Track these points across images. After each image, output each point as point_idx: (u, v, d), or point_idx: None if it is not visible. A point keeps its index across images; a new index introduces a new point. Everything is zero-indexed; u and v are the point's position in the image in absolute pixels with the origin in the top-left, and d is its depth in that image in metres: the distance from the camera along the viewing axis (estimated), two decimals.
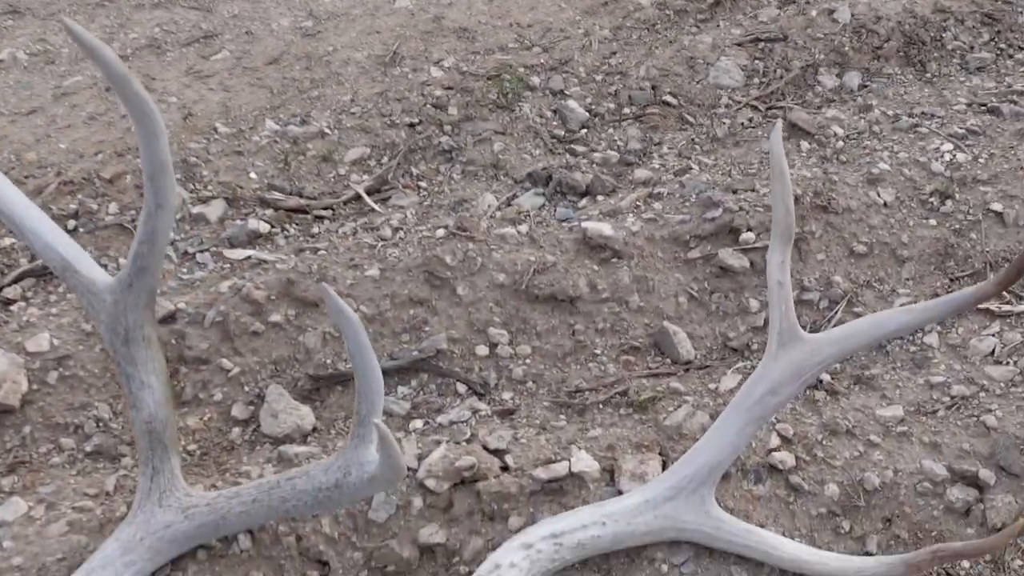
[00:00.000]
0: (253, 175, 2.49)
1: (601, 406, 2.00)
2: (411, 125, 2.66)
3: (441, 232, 2.25)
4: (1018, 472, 1.85)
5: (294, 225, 2.40)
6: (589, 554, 1.68)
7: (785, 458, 1.87)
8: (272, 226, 2.37)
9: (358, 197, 2.47)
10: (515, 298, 2.15)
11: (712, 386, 2.04)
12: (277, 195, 2.45)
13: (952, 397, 2.00)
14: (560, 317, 2.15)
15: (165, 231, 1.50)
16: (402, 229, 2.33)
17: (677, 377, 2.07)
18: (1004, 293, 2.21)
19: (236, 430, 1.97)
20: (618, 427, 1.93)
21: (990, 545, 1.63)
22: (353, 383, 1.77)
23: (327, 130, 2.63)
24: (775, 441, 1.90)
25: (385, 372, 2.03)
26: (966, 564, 1.78)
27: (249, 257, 2.22)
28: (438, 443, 1.87)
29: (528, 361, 2.10)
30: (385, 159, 2.60)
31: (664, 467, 1.84)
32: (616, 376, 2.07)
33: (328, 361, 2.05)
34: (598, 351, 2.12)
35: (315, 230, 2.37)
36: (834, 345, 1.68)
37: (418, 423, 1.97)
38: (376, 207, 2.44)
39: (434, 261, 2.15)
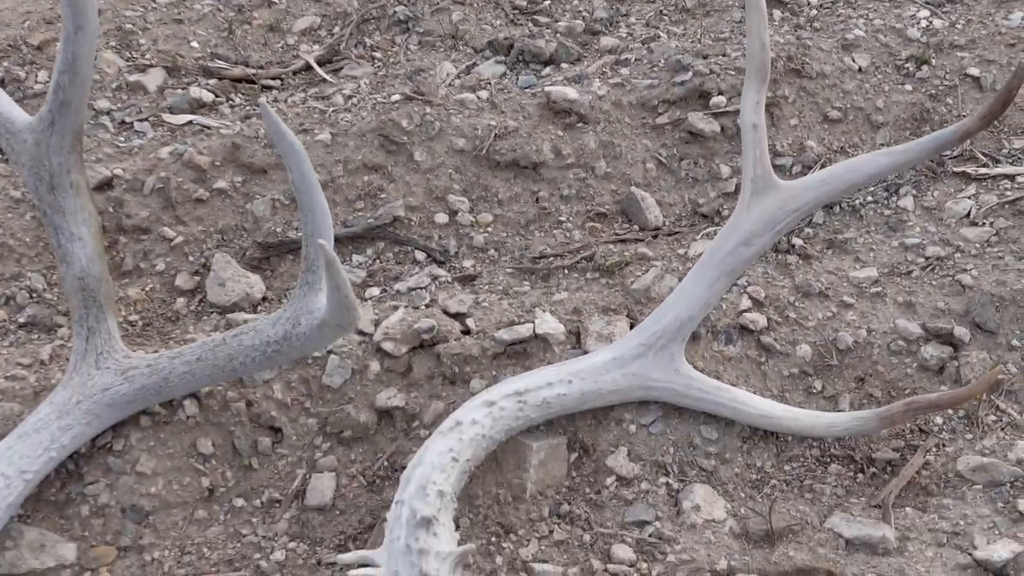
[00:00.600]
0: (195, 44, 2.33)
1: (566, 271, 1.92)
2: None
3: (397, 97, 2.12)
4: (993, 329, 1.81)
5: (240, 95, 2.25)
6: (555, 413, 1.61)
7: (756, 319, 1.81)
8: (216, 95, 2.22)
9: (308, 67, 2.32)
10: (475, 164, 2.03)
11: (681, 251, 1.96)
12: (221, 64, 2.29)
13: (927, 258, 1.94)
14: (523, 184, 2.04)
15: (87, 57, 1.37)
16: (355, 97, 2.19)
17: (645, 243, 1.98)
18: (980, 155, 2.14)
19: (181, 300, 1.86)
20: (584, 291, 1.85)
21: (965, 394, 1.59)
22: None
23: None
24: (746, 303, 1.84)
25: (339, 240, 1.93)
26: (939, 420, 1.75)
27: (191, 122, 2.07)
28: (395, 308, 1.78)
29: (490, 229, 2.00)
30: (337, 29, 2.44)
31: (632, 328, 1.76)
32: (582, 242, 1.98)
33: (278, 229, 1.94)
34: (563, 218, 2.02)
35: (262, 100, 2.22)
36: (811, 191, 1.60)
37: (375, 291, 1.87)
38: (327, 77, 2.30)
39: (389, 125, 2.02)
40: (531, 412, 1.58)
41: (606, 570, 1.48)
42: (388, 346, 1.69)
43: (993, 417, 1.74)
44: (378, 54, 2.40)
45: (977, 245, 1.96)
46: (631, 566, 1.49)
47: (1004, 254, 1.92)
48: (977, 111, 1.55)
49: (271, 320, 1.49)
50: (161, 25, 2.36)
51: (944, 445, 1.71)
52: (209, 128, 2.05)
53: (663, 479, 1.64)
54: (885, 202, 2.09)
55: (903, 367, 1.79)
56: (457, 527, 1.49)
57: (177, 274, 1.88)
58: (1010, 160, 2.14)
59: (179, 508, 1.57)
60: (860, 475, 1.69)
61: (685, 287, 1.67)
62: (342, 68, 2.34)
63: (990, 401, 1.75)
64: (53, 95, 1.40)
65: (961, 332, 1.80)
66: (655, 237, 2.01)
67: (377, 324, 1.74)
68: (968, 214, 2.03)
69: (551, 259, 1.94)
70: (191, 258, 1.90)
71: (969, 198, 2.06)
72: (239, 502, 1.59)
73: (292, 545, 1.55)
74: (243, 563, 1.54)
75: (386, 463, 1.63)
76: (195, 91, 2.19)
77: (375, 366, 1.69)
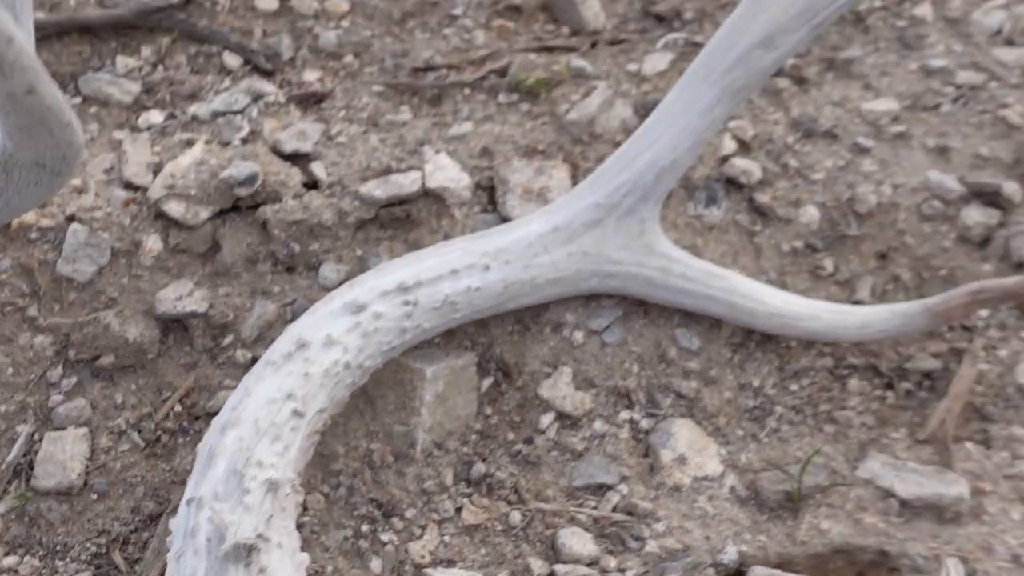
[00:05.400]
0: None
1: (468, 91, 1.25)
2: None
3: None
4: None
5: None
6: (462, 318, 0.99)
7: (748, 167, 1.23)
8: None
9: None
10: None
11: (632, 67, 1.33)
12: None
13: (958, 87, 1.40)
14: None
15: None
16: None
17: (581, 53, 1.34)
18: None
19: None
20: (496, 122, 1.20)
21: None
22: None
23: None
24: (730, 145, 1.25)
25: (92, 30, 1.17)
26: (984, 314, 1.26)
27: None
28: (190, 144, 1.07)
29: (345, 23, 1.29)
30: None
31: (575, 182, 1.15)
32: (488, 48, 1.30)
33: None
34: (458, 11, 1.34)
35: None
36: None
37: (156, 115, 1.14)
38: None
39: None
40: (424, 319, 0.95)
41: (552, 575, 0.92)
42: (176, 208, 0.99)
43: None
44: None
45: (1017, 72, 1.44)
46: (591, 565, 0.93)
47: None
48: None
49: None
50: None
51: (994, 347, 1.23)
52: None
53: (626, 414, 1.07)
54: (897, 10, 1.52)
55: (938, 238, 1.27)
56: (302, 511, 0.88)
57: None
58: None
59: None
60: (890, 393, 1.18)
61: (665, 114, 1.05)
62: None
63: None
64: None
65: (1011, 189, 1.30)
66: (593, 46, 1.36)
67: (157, 171, 1.03)
68: (1000, 30, 1.50)
69: (443, 72, 1.26)
70: None
71: (1000, 8, 1.52)
72: None
73: (9, 562, 0.88)
74: None
75: (178, 408, 0.97)
76: None
77: (154, 243, 0.99)
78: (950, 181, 1.30)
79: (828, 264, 1.25)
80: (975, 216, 1.29)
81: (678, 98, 1.06)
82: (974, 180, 1.31)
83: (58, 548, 0.90)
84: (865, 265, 1.27)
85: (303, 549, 0.88)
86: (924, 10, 1.52)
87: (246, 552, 0.70)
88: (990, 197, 1.31)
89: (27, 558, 0.89)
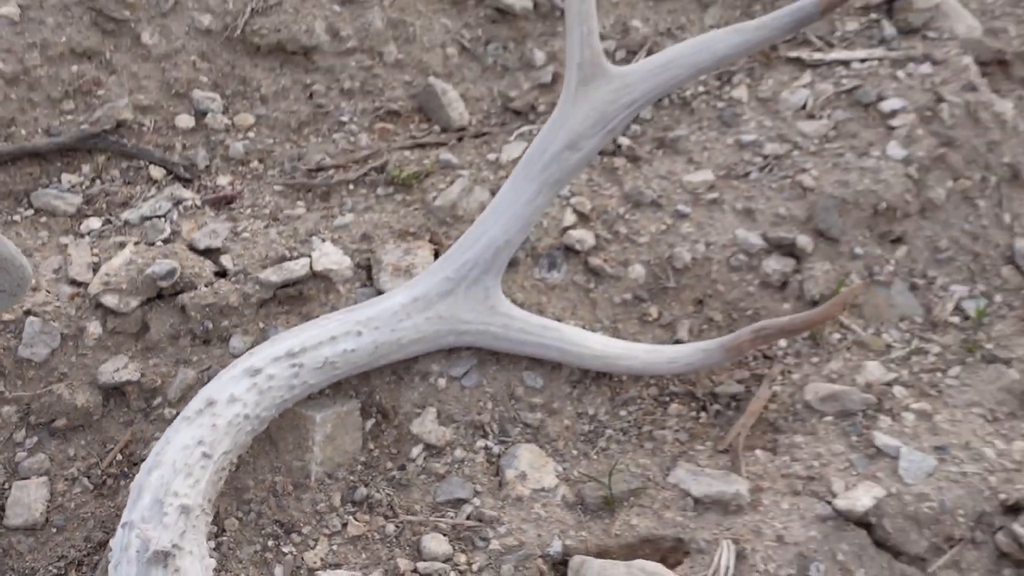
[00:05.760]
0: None
1: (351, 187, 1.53)
2: None
3: None
4: (836, 236, 1.62)
5: None
6: (342, 374, 1.27)
7: (583, 237, 1.52)
8: None
9: None
10: (228, 49, 1.58)
11: (492, 156, 1.63)
12: None
13: (765, 157, 1.71)
14: (292, 75, 1.62)
15: None
16: None
17: (448, 147, 1.63)
18: (814, 39, 1.92)
19: None
20: (375, 211, 1.49)
21: (819, 317, 1.38)
22: None
23: None
24: (570, 218, 1.54)
25: (41, 155, 1.44)
26: (783, 342, 1.55)
27: None
28: (122, 246, 1.34)
29: (252, 134, 1.57)
30: None
31: (437, 257, 1.43)
32: (370, 148, 1.59)
33: None
34: (345, 118, 1.63)
35: None
36: (650, 78, 1.29)
37: (94, 222, 1.41)
38: None
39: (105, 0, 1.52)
40: (310, 377, 1.22)
41: (415, 571, 1.19)
42: (111, 300, 1.26)
43: (838, 335, 1.57)
44: None
45: (816, 141, 1.76)
46: (446, 561, 1.20)
47: (844, 150, 1.72)
48: None
49: None
50: None
51: (790, 372, 1.52)
52: None
53: (481, 442, 1.34)
54: (718, 93, 1.83)
55: (744, 284, 1.57)
56: (220, 532, 1.14)
57: None
58: (844, 44, 1.93)
59: None
60: (703, 414, 1.47)
61: (499, 203, 1.34)
62: None
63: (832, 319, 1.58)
64: None
65: (804, 241, 1.60)
66: (460, 140, 1.66)
67: (96, 269, 1.30)
68: (804, 106, 1.82)
69: (331, 171, 1.54)
70: None
71: (804, 87, 1.84)
72: None
73: None
74: None
75: (119, 457, 1.23)
76: None
77: (95, 328, 1.26)
78: (754, 237, 1.60)
79: (653, 311, 1.54)
80: (774, 265, 1.59)
81: (508, 191, 1.35)
82: (774, 235, 1.62)
83: (27, 571, 1.15)
84: (684, 310, 1.56)
85: (220, 564, 1.15)
86: (740, 92, 1.84)
87: (164, 557, 0.96)
88: (787, 248, 1.62)
89: None
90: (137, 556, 0.97)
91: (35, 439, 1.22)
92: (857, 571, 1.24)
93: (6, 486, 1.19)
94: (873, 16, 2.01)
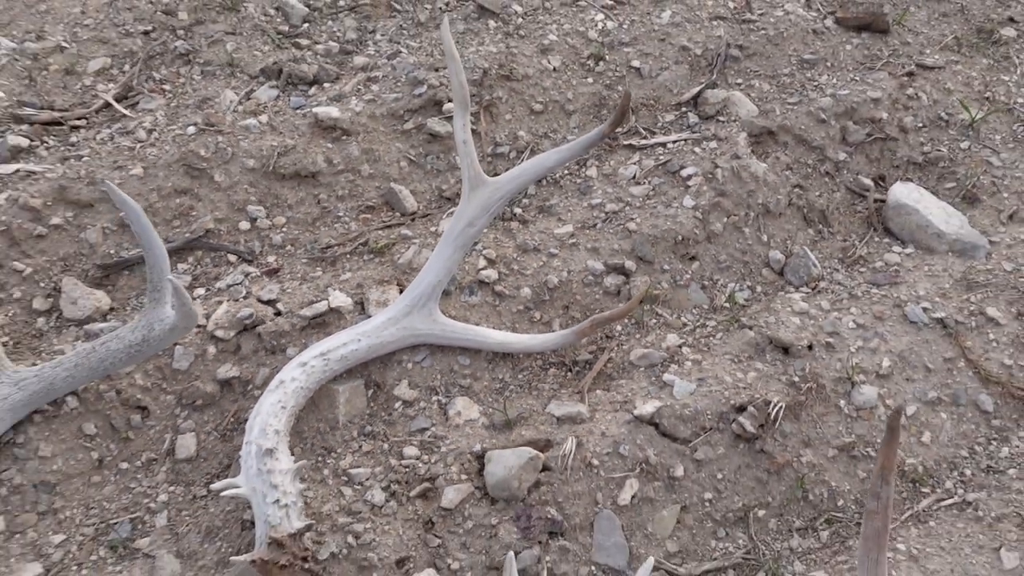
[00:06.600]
0: (1, 94, 2.68)
1: (348, 256, 2.53)
2: (146, 32, 2.92)
3: (192, 129, 2.61)
4: (650, 259, 2.61)
5: (52, 137, 2.65)
6: (352, 363, 2.25)
7: (491, 274, 2.51)
8: (31, 140, 2.61)
9: (108, 105, 2.74)
10: (266, 178, 2.59)
11: (433, 228, 2.62)
12: (29, 110, 2.67)
13: (607, 213, 2.71)
14: (306, 190, 2.62)
15: None
16: (155, 130, 2.66)
17: (406, 226, 2.63)
18: (641, 130, 2.93)
19: (41, 319, 2.31)
20: (363, 270, 2.48)
21: (626, 308, 2.37)
22: (137, 267, 2.20)
23: (64, 43, 2.84)
24: (482, 263, 2.53)
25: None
26: (619, 328, 2.54)
27: (18, 171, 2.48)
28: (220, 303, 2.33)
29: (284, 229, 2.57)
30: (127, 67, 2.86)
31: (401, 293, 2.42)
32: (358, 231, 2.59)
33: (112, 251, 2.42)
34: (341, 213, 2.63)
35: (73, 139, 2.64)
36: (510, 183, 2.29)
37: (200, 291, 2.41)
38: (127, 112, 2.73)
39: (190, 155, 2.53)
40: (334, 365, 2.21)
41: (401, 464, 2.16)
42: (219, 333, 2.25)
43: (654, 320, 2.56)
44: (167, 86, 2.85)
45: (640, 199, 2.75)
46: (417, 459, 2.18)
47: (657, 204, 2.72)
48: (610, 118, 2.29)
49: (130, 328, 2.02)
50: None
51: (622, 344, 2.51)
52: (35, 173, 2.46)
53: (435, 397, 2.33)
54: (577, 173, 2.84)
55: (593, 294, 2.56)
56: (292, 453, 2.12)
57: (33, 299, 2.33)
58: (662, 131, 2.94)
59: (78, 477, 2.09)
60: (569, 373, 2.45)
61: (433, 260, 2.33)
62: (138, 103, 2.78)
63: (651, 309, 2.57)
64: None
65: (630, 264, 2.59)
66: (413, 220, 2.66)
67: (208, 317, 2.29)
68: (634, 176, 2.82)
69: (335, 248, 2.54)
70: (42, 284, 2.35)
71: (634, 164, 2.85)
72: (124, 465, 2.13)
73: (171, 489, 2.12)
74: (136, 508, 2.09)
75: (232, 419, 2.21)
76: (12, 138, 2.57)
77: (212, 349, 2.25)
78: (598, 265, 2.59)
79: (537, 315, 2.52)
80: (612, 280, 2.58)
81: (436, 252, 2.33)
82: (611, 262, 2.60)
83: (189, 482, 2.13)
84: (556, 313, 2.54)
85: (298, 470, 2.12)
86: (592, 171, 2.84)
87: (269, 452, 1.93)
88: (619, 270, 2.60)
89: (177, 487, 2.12)
90: (255, 454, 1.95)
91: (186, 412, 2.20)
92: (648, 449, 2.21)
93: (174, 438, 2.17)
94: (684, 109, 3.02)
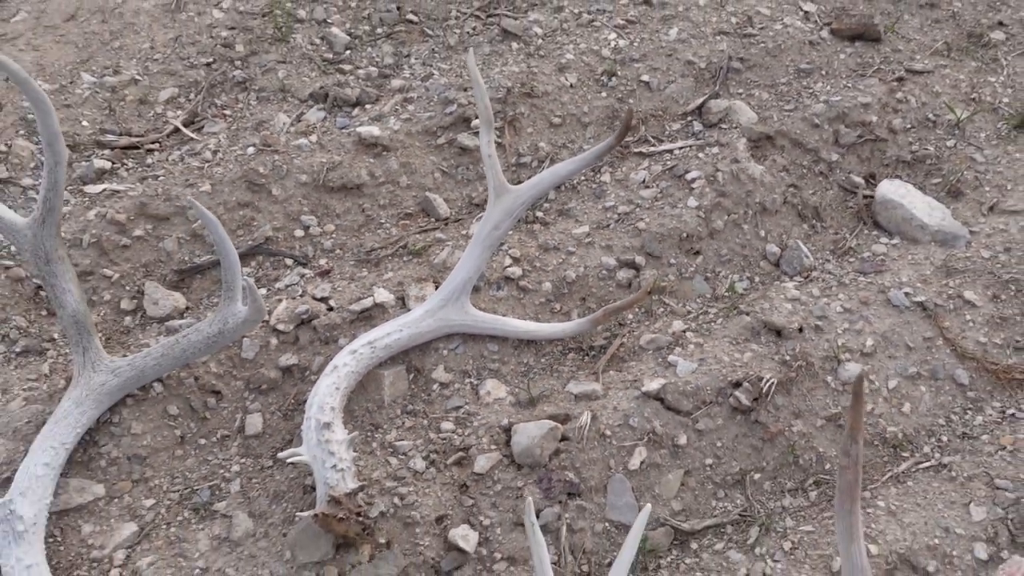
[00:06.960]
0: (85, 123, 3.07)
1: (390, 258, 2.87)
2: (207, 64, 3.29)
3: (251, 150, 2.97)
4: (658, 255, 2.91)
5: (130, 160, 3.03)
6: (395, 351, 2.58)
7: (515, 271, 2.83)
8: (113, 163, 2.99)
9: (177, 130, 3.11)
10: (317, 192, 2.94)
11: (464, 232, 2.95)
12: (110, 137, 3.05)
13: (619, 214, 3.02)
14: (352, 200, 2.97)
15: (62, 179, 2.18)
16: (219, 151, 3.03)
17: (440, 230, 2.96)
18: (651, 138, 3.23)
19: (128, 318, 2.69)
20: (404, 270, 2.82)
21: (635, 299, 2.67)
22: (207, 271, 2.56)
23: (138, 76, 3.22)
24: (508, 261, 2.85)
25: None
26: (630, 316, 2.84)
27: (104, 190, 2.86)
28: (280, 300, 2.68)
29: (334, 235, 2.92)
30: (192, 95, 3.23)
31: (437, 289, 2.75)
32: (398, 236, 2.93)
33: (186, 258, 2.78)
34: (383, 220, 2.97)
35: (149, 161, 3.02)
36: (529, 191, 2.61)
37: (262, 291, 2.76)
38: (194, 136, 3.11)
39: (251, 173, 2.89)
40: (380, 352, 2.54)
41: (439, 436, 2.49)
42: (280, 326, 2.60)
43: (662, 309, 2.86)
44: (228, 111, 3.22)
45: (649, 201, 3.06)
46: (452, 432, 2.50)
47: (664, 205, 3.02)
48: (616, 132, 2.60)
49: (208, 322, 2.37)
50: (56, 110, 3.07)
51: (633, 331, 2.81)
52: (119, 192, 2.84)
53: (467, 380, 2.65)
54: (592, 179, 3.15)
55: (607, 287, 2.87)
56: (345, 427, 2.46)
57: (120, 300, 2.70)
58: (669, 139, 3.24)
59: (164, 451, 2.45)
60: (586, 357, 2.76)
61: (464, 260, 2.66)
62: (203, 127, 3.15)
63: (660, 300, 2.87)
64: (42, 205, 2.21)
65: (640, 259, 2.90)
66: (446, 224, 2.99)
67: (270, 313, 2.64)
68: (643, 181, 3.12)
69: (379, 251, 2.88)
70: (127, 287, 2.72)
71: (644, 169, 3.15)
72: (202, 441, 2.49)
73: (243, 461, 2.47)
74: (213, 476, 2.44)
75: (292, 401, 2.56)
76: (97, 162, 2.95)
77: (274, 340, 2.60)
78: (612, 261, 2.90)
79: (558, 306, 2.83)
80: (623, 275, 2.88)
81: (467, 252, 2.66)
82: (623, 258, 2.91)
83: (255, 455, 2.49)
84: (574, 304, 2.85)
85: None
86: (606, 176, 3.15)
87: (327, 426, 2.27)
88: (630, 265, 2.91)
89: (247, 459, 2.48)
90: (315, 427, 2.30)
91: (253, 395, 2.55)
92: (655, 421, 2.51)
93: (243, 418, 2.53)
94: (689, 118, 3.32)
